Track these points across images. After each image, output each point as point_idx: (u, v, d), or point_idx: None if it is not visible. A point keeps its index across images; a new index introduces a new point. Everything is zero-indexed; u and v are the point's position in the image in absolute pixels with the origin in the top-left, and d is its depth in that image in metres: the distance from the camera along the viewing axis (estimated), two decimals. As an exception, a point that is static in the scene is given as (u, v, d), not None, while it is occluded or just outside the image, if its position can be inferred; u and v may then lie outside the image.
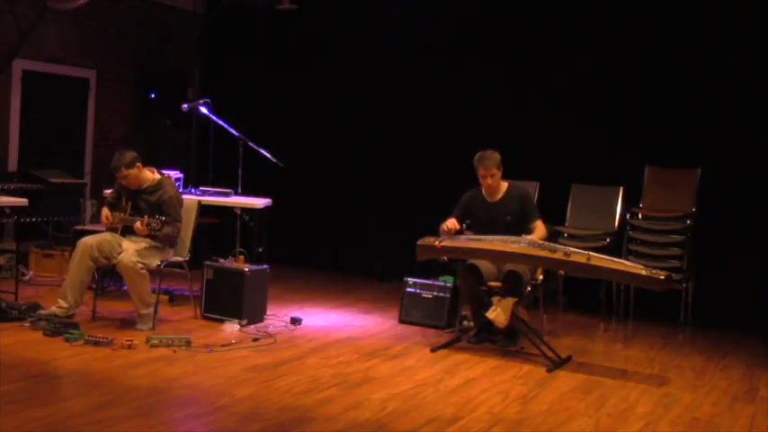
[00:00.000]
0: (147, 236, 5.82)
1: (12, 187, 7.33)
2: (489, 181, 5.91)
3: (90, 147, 8.96)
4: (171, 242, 6.00)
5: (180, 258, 6.16)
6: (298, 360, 5.32)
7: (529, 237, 5.66)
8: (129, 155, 5.94)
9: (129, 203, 6.01)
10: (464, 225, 6.03)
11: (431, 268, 6.90)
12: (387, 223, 8.49)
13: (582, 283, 7.04)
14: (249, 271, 6.22)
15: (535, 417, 4.45)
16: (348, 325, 6.52)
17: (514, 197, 5.96)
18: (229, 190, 6.99)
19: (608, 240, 7.36)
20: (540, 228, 5.80)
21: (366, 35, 8.73)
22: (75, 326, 5.55)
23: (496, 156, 5.88)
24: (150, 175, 6.08)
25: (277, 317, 6.46)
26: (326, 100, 8.96)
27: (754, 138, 7.16)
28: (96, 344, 5.26)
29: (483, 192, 6.03)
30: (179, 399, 4.50)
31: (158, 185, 6.03)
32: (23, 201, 6.62)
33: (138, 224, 5.77)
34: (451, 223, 5.81)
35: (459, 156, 7.81)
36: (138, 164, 5.96)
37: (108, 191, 6.46)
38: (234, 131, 7.11)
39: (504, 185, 6.00)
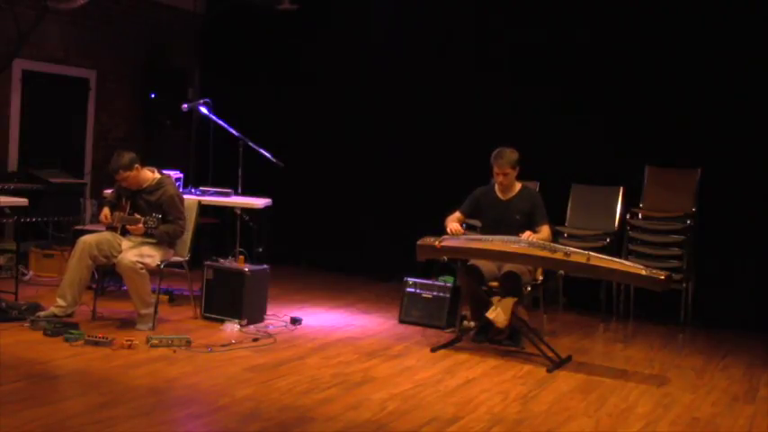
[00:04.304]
0: (144, 234, 5.82)
1: (12, 187, 7.33)
2: (501, 179, 5.93)
3: (90, 147, 8.96)
4: (171, 240, 5.99)
5: (180, 258, 6.16)
6: (298, 360, 5.32)
7: (529, 234, 5.67)
8: (127, 156, 5.92)
9: (129, 203, 6.01)
10: (464, 225, 6.05)
11: (431, 268, 6.93)
12: (387, 223, 8.49)
13: (582, 283, 7.04)
14: (249, 271, 6.22)
15: (535, 417, 4.45)
16: (348, 325, 6.52)
17: (526, 198, 5.99)
18: (229, 190, 6.99)
19: (608, 240, 7.36)
20: (544, 231, 5.81)
21: (366, 35, 8.73)
22: (75, 326, 5.54)
23: (513, 155, 5.88)
24: (150, 174, 6.07)
25: (277, 317, 6.45)
26: (327, 100, 8.95)
27: (754, 138, 7.16)
28: (96, 344, 5.26)
29: (496, 188, 6.05)
30: (179, 399, 4.50)
31: (158, 185, 6.03)
32: (23, 201, 6.62)
33: (130, 227, 5.80)
34: (456, 228, 5.82)
35: (460, 156, 7.89)
36: (137, 165, 5.94)
37: (108, 191, 6.47)
38: (234, 131, 7.10)
39: (518, 185, 6.02)
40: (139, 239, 5.88)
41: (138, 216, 5.85)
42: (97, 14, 8.63)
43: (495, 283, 5.82)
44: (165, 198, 5.96)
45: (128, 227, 5.85)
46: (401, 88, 8.52)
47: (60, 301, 5.74)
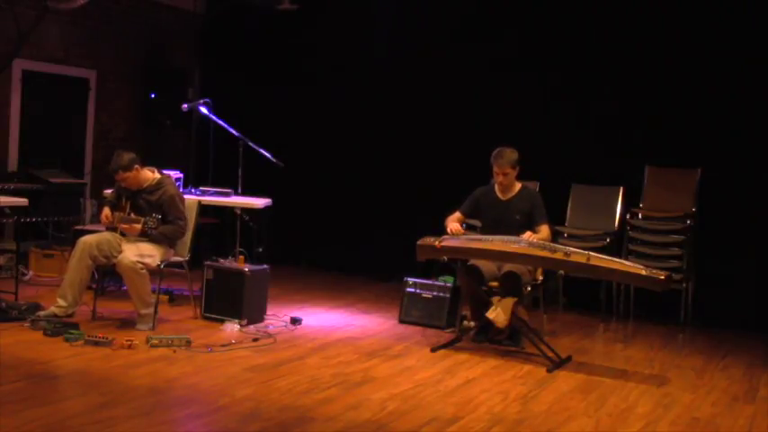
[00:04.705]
0: (143, 234, 5.82)
1: (12, 187, 7.33)
2: (501, 179, 5.94)
3: (90, 147, 8.96)
4: (170, 241, 5.99)
5: (180, 258, 6.16)
6: (298, 360, 5.32)
7: (529, 234, 5.67)
8: (127, 157, 5.91)
9: (128, 203, 6.00)
10: (464, 225, 6.05)
11: (431, 268, 6.93)
12: (387, 223, 8.48)
13: (582, 283, 7.04)
14: (249, 271, 6.22)
15: (535, 417, 4.45)
16: (348, 325, 6.52)
17: (526, 197, 5.99)
18: (229, 190, 6.99)
19: (608, 240, 7.36)
20: (544, 230, 5.81)
21: (367, 34, 8.73)
22: (75, 326, 5.54)
23: (513, 155, 5.88)
24: (150, 174, 6.07)
25: (277, 317, 6.45)
26: (327, 100, 8.95)
27: (754, 138, 7.16)
28: (96, 344, 5.26)
29: (496, 188, 6.05)
30: (179, 399, 4.50)
31: (158, 185, 6.03)
32: (23, 201, 6.62)
33: (124, 226, 5.82)
34: (456, 228, 5.83)
35: (459, 156, 7.89)
36: (137, 166, 5.93)
37: (108, 191, 6.47)
38: (234, 131, 7.11)
39: (518, 185, 6.03)
40: (140, 240, 5.87)
41: (135, 216, 5.85)
42: (97, 14, 8.64)
43: (495, 283, 5.82)
44: (166, 198, 5.96)
45: (123, 226, 5.85)
46: (401, 88, 8.51)
47: (61, 302, 5.73)
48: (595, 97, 7.70)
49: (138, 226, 5.78)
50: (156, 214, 5.81)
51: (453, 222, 5.92)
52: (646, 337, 6.71)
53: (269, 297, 6.51)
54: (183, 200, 6.12)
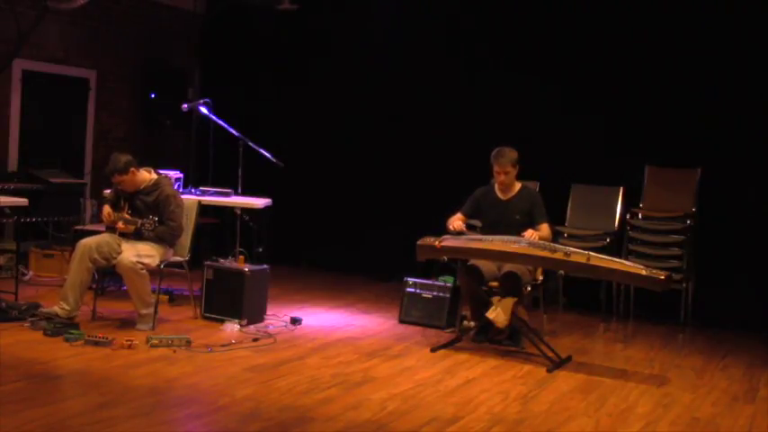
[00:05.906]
0: (136, 232, 5.82)
1: (12, 187, 7.33)
2: (502, 178, 5.94)
3: (90, 147, 8.96)
4: (166, 242, 5.98)
5: (180, 258, 6.16)
6: (298, 360, 5.32)
7: (531, 233, 5.67)
8: (123, 159, 5.88)
9: (127, 204, 6.00)
10: (465, 225, 6.05)
11: (431, 268, 6.93)
12: (387, 223, 8.48)
13: (582, 283, 7.04)
14: (249, 271, 6.22)
15: (535, 417, 4.45)
16: (348, 325, 6.52)
17: (526, 197, 5.99)
18: (229, 190, 6.99)
19: (608, 240, 7.36)
20: (544, 229, 5.81)
21: (366, 34, 8.73)
22: (75, 326, 5.55)
23: (513, 154, 5.89)
24: (147, 175, 6.05)
25: (277, 317, 6.45)
26: (327, 100, 8.96)
27: (754, 138, 7.16)
28: (96, 344, 5.26)
29: (496, 188, 6.05)
30: (179, 399, 4.50)
31: (155, 185, 6.02)
32: (23, 201, 6.62)
33: (120, 224, 5.83)
34: (458, 225, 5.83)
35: (460, 156, 7.90)
36: (133, 168, 5.91)
37: (107, 191, 6.46)
38: (234, 131, 7.11)
39: (518, 185, 6.03)
40: (140, 240, 5.87)
41: (132, 218, 5.84)
42: (97, 14, 8.64)
43: (495, 283, 5.82)
44: (162, 198, 5.94)
45: (119, 226, 5.85)
46: (401, 88, 8.51)
47: (64, 305, 5.70)
48: (595, 97, 7.69)
49: (132, 227, 5.78)
50: (153, 216, 5.80)
51: (456, 220, 5.91)
52: (646, 337, 6.71)
53: (269, 297, 6.51)
54: (180, 201, 6.09)
